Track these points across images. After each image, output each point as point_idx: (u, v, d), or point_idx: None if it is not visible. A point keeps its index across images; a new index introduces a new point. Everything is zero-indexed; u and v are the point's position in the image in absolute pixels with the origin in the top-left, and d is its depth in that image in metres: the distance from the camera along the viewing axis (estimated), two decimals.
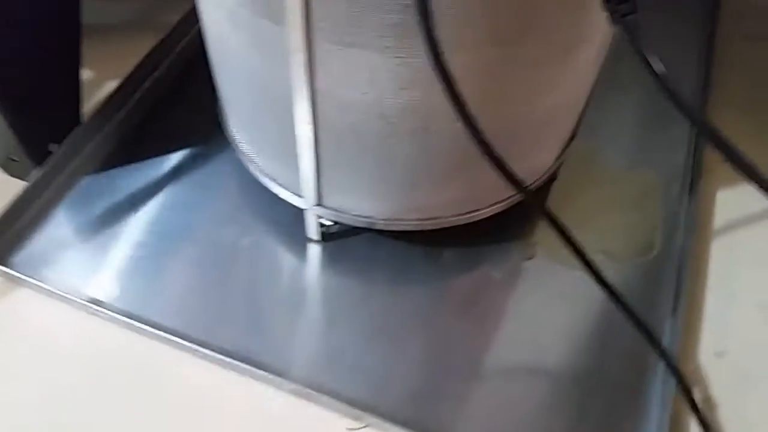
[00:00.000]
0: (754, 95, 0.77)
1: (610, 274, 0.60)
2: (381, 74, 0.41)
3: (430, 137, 0.46)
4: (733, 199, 0.67)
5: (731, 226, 0.65)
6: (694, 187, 0.66)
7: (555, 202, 0.66)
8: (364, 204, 0.54)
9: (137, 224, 0.62)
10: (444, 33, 0.38)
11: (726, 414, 0.54)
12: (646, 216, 0.65)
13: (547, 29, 0.40)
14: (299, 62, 0.41)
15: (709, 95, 0.74)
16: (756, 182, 0.34)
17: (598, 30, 0.45)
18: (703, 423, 0.52)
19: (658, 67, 0.34)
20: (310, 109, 0.45)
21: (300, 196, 0.55)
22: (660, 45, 0.80)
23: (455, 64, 0.40)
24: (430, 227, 0.56)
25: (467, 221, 0.56)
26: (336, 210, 0.55)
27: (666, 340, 0.56)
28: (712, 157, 0.71)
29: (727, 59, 0.80)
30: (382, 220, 0.55)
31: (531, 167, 0.55)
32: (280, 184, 0.57)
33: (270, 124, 0.50)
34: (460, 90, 0.42)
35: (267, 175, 0.57)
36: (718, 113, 0.74)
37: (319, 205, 0.55)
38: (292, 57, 0.41)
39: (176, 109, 0.71)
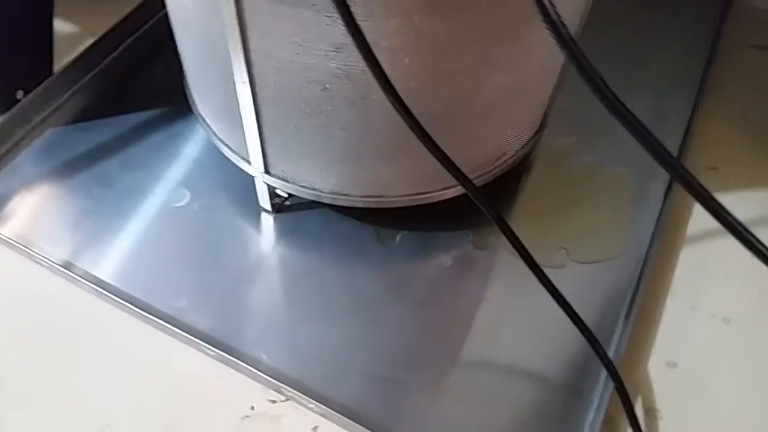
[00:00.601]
0: (754, 104, 0.74)
1: (568, 271, 0.59)
2: (311, 34, 0.40)
3: (370, 108, 0.45)
4: None
5: (704, 236, 0.62)
6: (670, 191, 0.63)
7: (525, 193, 0.65)
8: (310, 175, 0.53)
9: (94, 179, 0.62)
10: None
11: (668, 427, 0.52)
12: (616, 216, 0.63)
13: (488, 2, 0.39)
14: (231, 15, 0.40)
15: (702, 100, 0.71)
16: (734, 233, 0.31)
17: None
18: None
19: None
20: (246, 69, 0.44)
21: (249, 162, 0.54)
22: (666, 48, 0.78)
23: (386, 30, 0.39)
24: (376, 206, 0.54)
25: (415, 203, 0.54)
26: (283, 179, 0.54)
27: (613, 346, 0.54)
28: (697, 162, 0.68)
29: (731, 66, 0.77)
30: (329, 193, 0.54)
31: (482, 154, 0.53)
32: (231, 149, 0.56)
33: (216, 84, 0.49)
34: (396, 59, 0.41)
35: (220, 140, 0.56)
36: (712, 117, 0.71)
37: (266, 172, 0.54)
38: (224, 10, 0.40)
39: (150, 71, 0.71)
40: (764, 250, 0.31)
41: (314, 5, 0.38)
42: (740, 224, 0.31)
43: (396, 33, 0.39)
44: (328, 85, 0.43)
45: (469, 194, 0.42)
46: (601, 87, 0.32)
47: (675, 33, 0.79)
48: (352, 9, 0.37)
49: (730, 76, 0.76)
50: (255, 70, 0.44)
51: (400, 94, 0.43)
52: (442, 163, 0.39)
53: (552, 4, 0.31)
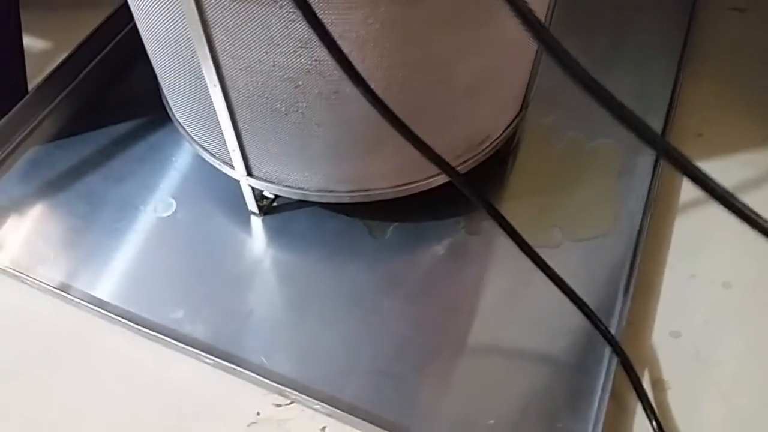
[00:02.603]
0: (738, 67, 0.73)
1: (564, 250, 0.58)
2: (277, 32, 0.39)
3: (345, 102, 0.44)
4: None
5: (698, 203, 0.62)
6: (659, 161, 0.62)
7: (513, 176, 0.64)
8: (294, 174, 0.52)
9: (79, 197, 0.61)
10: None
11: (676, 397, 0.51)
12: (607, 190, 0.62)
13: None
14: (194, 18, 0.39)
15: (685, 67, 0.70)
16: (732, 210, 0.29)
17: None
18: (646, 405, 0.49)
19: None
20: (215, 72, 0.43)
21: (232, 166, 0.54)
22: (645, 15, 0.77)
23: (353, 21, 0.38)
24: (363, 200, 0.54)
25: (403, 194, 0.54)
26: (267, 180, 0.53)
27: (615, 320, 0.53)
28: (683, 130, 0.67)
29: (712, 30, 0.76)
30: (314, 191, 0.53)
31: (465, 139, 0.52)
32: (212, 154, 0.55)
33: (189, 90, 0.49)
34: (366, 50, 0.40)
35: (200, 145, 0.56)
36: (695, 83, 0.71)
37: (249, 175, 0.53)
38: (188, 14, 0.39)
39: (126, 82, 0.70)
40: (754, 216, 0.30)
41: (275, 2, 0.37)
42: (727, 192, 0.30)
43: (363, 24, 0.38)
44: (300, 82, 0.42)
45: (454, 181, 0.41)
46: (575, 69, 0.31)
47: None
48: (312, 2, 0.36)
49: (712, 41, 0.75)
50: (225, 73, 0.43)
51: (374, 84, 0.42)
52: (422, 152, 0.39)
53: None
